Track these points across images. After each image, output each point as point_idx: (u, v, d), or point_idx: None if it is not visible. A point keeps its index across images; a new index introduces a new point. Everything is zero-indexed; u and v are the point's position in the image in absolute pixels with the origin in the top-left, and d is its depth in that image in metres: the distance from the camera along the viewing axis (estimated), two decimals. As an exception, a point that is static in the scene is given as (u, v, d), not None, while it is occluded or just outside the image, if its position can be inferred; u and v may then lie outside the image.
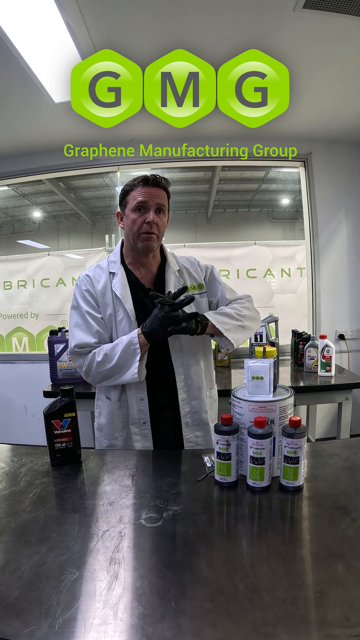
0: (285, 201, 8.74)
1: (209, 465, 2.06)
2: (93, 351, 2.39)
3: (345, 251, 5.35)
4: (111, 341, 2.43)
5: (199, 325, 2.36)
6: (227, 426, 1.85)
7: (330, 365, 4.16)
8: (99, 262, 2.60)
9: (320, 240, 5.31)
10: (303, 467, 1.81)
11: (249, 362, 1.98)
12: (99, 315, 2.45)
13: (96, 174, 5.98)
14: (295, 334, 4.80)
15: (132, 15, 2.96)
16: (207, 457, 2.13)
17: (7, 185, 5.95)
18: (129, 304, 2.43)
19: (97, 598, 1.24)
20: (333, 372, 4.16)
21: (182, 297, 2.28)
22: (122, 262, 2.55)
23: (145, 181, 2.38)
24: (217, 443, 1.86)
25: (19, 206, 8.17)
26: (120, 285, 2.45)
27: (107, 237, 5.57)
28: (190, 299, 2.26)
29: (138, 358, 2.31)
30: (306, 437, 1.82)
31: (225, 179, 7.64)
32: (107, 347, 2.38)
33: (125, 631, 1.15)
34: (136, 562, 1.41)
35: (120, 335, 2.41)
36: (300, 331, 4.82)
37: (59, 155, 5.20)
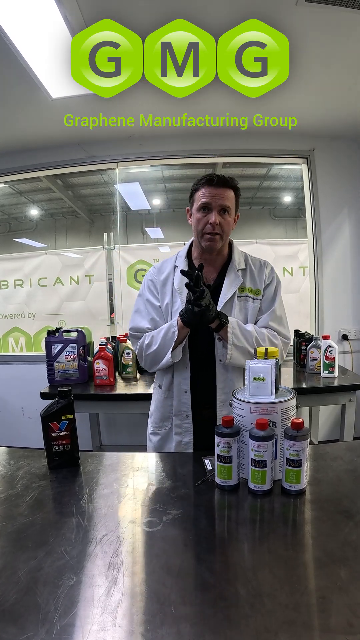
0: (287, 199, 8.75)
1: (209, 468, 2.06)
2: (144, 334, 2.60)
3: (349, 250, 5.35)
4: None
5: (218, 319, 2.41)
6: (228, 428, 1.85)
7: (333, 366, 4.15)
8: (170, 257, 2.74)
9: (323, 238, 5.31)
10: (305, 470, 1.81)
11: (250, 363, 1.98)
12: (158, 304, 2.62)
13: (95, 171, 5.98)
14: (297, 334, 4.80)
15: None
16: (208, 460, 2.13)
17: (4, 182, 5.96)
18: (184, 296, 2.51)
19: (96, 604, 1.24)
20: (336, 373, 4.16)
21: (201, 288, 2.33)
22: (189, 256, 2.68)
23: (210, 181, 2.46)
24: (218, 445, 1.86)
25: (16, 204, 8.18)
26: (179, 278, 2.55)
27: (105, 235, 5.57)
28: (201, 292, 2.31)
29: (174, 339, 2.45)
30: (309, 440, 1.82)
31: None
32: (154, 331, 2.54)
33: (124, 638, 1.14)
34: (135, 567, 1.40)
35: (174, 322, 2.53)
36: (303, 331, 4.83)
37: (56, 151, 5.24)
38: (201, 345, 2.54)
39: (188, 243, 2.72)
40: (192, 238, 2.65)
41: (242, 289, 2.58)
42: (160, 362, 2.52)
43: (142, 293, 2.67)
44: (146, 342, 2.55)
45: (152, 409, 2.74)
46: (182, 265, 2.61)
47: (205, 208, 2.46)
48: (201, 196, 2.47)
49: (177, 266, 2.63)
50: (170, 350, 2.46)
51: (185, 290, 2.46)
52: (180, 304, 2.53)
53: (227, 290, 2.55)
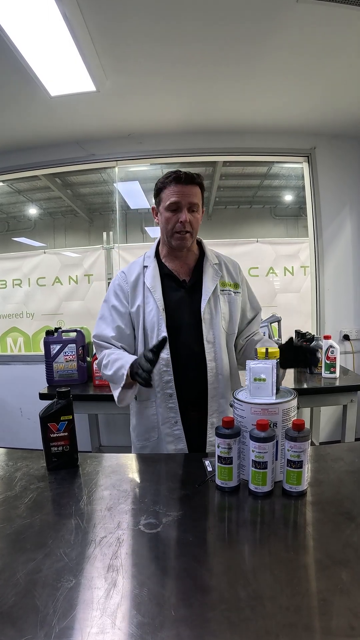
0: (288, 198, 8.74)
1: (209, 469, 2.06)
2: (104, 351, 2.52)
3: (350, 249, 5.35)
4: (141, 332, 2.53)
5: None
6: (229, 429, 1.85)
7: (334, 367, 4.15)
8: (137, 259, 2.69)
9: (324, 237, 5.31)
10: (306, 471, 1.81)
11: (250, 364, 1.98)
12: (124, 310, 2.55)
13: (94, 170, 5.98)
14: (298, 334, 4.79)
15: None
16: (208, 461, 2.13)
17: (2, 181, 5.95)
18: (158, 294, 2.49)
19: (95, 606, 1.24)
20: (337, 374, 4.15)
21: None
22: (157, 255, 2.65)
23: (178, 179, 2.42)
24: (218, 447, 1.86)
25: (14, 203, 8.18)
26: (151, 277, 2.54)
27: (104, 234, 5.57)
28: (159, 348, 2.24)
29: (121, 384, 2.39)
30: (310, 441, 1.82)
31: (227, 175, 7.65)
32: (113, 355, 2.46)
33: (124, 640, 1.15)
34: (135, 569, 1.40)
35: (148, 326, 2.50)
36: (304, 331, 4.82)
37: (55, 150, 5.24)
38: (183, 342, 2.50)
39: (155, 243, 2.70)
40: (159, 237, 2.64)
41: (223, 284, 2.59)
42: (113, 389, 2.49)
43: (108, 299, 2.60)
44: (103, 362, 2.48)
45: (133, 423, 2.66)
46: (152, 265, 2.59)
47: (175, 206, 2.43)
48: (170, 195, 2.43)
49: (146, 266, 2.60)
50: (118, 390, 2.42)
51: (159, 288, 2.50)
52: (153, 304, 2.49)
53: (209, 285, 2.54)
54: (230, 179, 8.00)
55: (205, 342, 2.49)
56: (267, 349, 2.00)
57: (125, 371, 2.33)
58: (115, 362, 2.40)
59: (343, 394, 3.99)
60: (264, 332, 4.29)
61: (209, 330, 2.50)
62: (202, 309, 2.49)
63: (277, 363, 1.97)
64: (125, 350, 2.53)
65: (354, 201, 5.33)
